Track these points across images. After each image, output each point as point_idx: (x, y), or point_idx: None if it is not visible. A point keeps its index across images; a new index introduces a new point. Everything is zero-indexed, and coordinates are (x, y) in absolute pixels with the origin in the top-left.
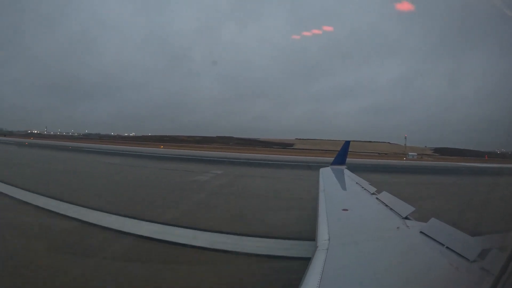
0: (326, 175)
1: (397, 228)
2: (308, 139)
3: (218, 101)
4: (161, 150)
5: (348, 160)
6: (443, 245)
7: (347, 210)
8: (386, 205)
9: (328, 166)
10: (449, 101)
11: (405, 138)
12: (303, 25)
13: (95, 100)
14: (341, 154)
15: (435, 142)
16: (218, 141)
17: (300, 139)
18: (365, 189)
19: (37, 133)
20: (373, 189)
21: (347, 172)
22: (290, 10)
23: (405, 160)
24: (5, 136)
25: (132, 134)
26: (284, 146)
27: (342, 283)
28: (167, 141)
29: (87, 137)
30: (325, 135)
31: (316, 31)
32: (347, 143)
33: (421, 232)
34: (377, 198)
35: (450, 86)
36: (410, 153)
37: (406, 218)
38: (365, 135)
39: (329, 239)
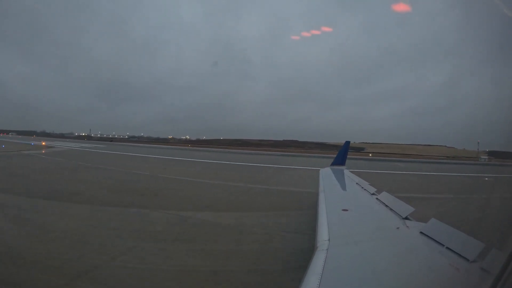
0: (326, 175)
1: (397, 228)
2: (375, 143)
3: (269, 103)
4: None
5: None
6: (443, 245)
7: (347, 210)
8: (386, 206)
9: (328, 167)
10: (493, 104)
11: (478, 143)
12: (362, 32)
13: (144, 103)
14: (341, 154)
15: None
16: (291, 144)
17: (367, 143)
18: (365, 189)
19: (85, 135)
20: (373, 190)
21: (347, 173)
22: (354, 17)
23: (486, 162)
24: (111, 141)
25: (187, 137)
26: (357, 149)
27: (342, 283)
28: (240, 145)
29: (145, 140)
30: (372, 138)
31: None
32: (347, 143)
33: (421, 232)
34: (377, 198)
35: (496, 89)
36: (482, 157)
37: (406, 218)
38: (415, 138)
39: (329, 239)
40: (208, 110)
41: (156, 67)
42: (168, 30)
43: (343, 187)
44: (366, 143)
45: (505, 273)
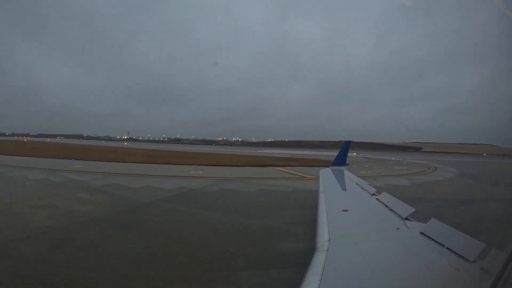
0: (326, 176)
1: (397, 228)
2: (430, 142)
3: (312, 104)
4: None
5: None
6: (443, 245)
7: (347, 211)
8: (386, 206)
9: (328, 167)
10: None
11: None
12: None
13: (186, 105)
14: (341, 154)
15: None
16: (353, 145)
17: (422, 142)
18: (365, 189)
19: (127, 138)
20: (373, 190)
21: (347, 173)
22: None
23: None
24: (231, 145)
25: (237, 139)
26: (415, 149)
27: (342, 283)
28: (303, 146)
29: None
30: (415, 138)
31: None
32: (347, 143)
33: (421, 232)
34: (377, 199)
35: None
36: None
37: (406, 218)
38: (455, 137)
39: (329, 240)
40: (252, 112)
41: (205, 70)
42: (219, 35)
43: (343, 187)
44: (419, 142)
45: (505, 273)
